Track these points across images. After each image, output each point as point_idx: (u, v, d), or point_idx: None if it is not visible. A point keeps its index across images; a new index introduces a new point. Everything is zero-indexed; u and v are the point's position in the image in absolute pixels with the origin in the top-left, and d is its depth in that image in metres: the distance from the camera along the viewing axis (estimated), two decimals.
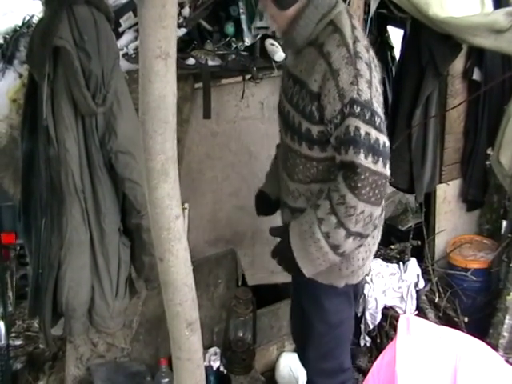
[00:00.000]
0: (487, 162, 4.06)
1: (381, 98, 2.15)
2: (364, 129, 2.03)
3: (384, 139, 2.08)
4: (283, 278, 3.60)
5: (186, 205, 3.11)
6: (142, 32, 1.75)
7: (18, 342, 3.64)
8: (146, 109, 1.78)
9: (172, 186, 1.88)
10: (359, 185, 2.03)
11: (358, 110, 2.04)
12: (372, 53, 2.20)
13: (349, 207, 2.06)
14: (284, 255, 2.33)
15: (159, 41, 1.72)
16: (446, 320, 3.85)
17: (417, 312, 3.78)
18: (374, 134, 2.04)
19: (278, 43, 3.16)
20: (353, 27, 2.15)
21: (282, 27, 2.30)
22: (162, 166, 1.83)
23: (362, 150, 2.03)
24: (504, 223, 4.15)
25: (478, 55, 3.98)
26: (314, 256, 2.21)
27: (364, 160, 2.02)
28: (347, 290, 2.54)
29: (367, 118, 2.04)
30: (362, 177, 2.03)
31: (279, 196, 2.63)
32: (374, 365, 1.47)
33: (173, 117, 1.82)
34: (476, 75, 4.03)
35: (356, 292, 2.65)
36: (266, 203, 2.79)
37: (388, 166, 2.09)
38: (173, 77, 1.79)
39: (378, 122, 2.06)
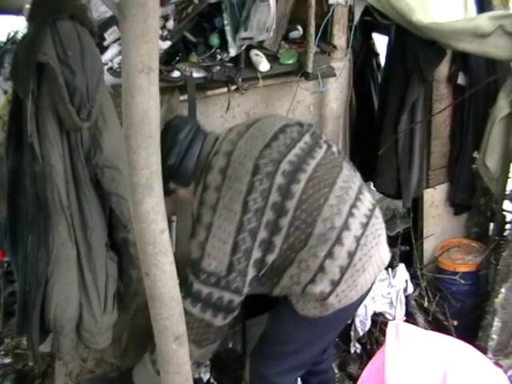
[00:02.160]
0: (474, 166, 4.08)
1: (225, 248, 2.36)
2: (190, 278, 2.42)
3: (210, 291, 2.38)
4: None
5: (174, 217, 3.11)
6: (124, 47, 1.75)
7: (7, 360, 3.63)
8: (130, 123, 1.78)
9: (157, 201, 1.88)
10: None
11: (189, 262, 2.44)
12: (234, 190, 2.37)
13: None
14: None
15: (141, 55, 1.72)
16: (435, 324, 3.87)
17: (406, 317, 3.80)
18: (196, 285, 2.39)
19: (263, 53, 3.18)
20: (204, 188, 2.45)
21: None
22: (147, 180, 1.83)
23: (184, 291, 2.38)
24: (492, 226, 4.17)
25: (462, 60, 4.01)
26: (142, 379, 2.59)
27: (183, 299, 2.21)
28: (312, 322, 2.54)
29: (194, 270, 2.40)
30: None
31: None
32: (364, 371, 1.48)
33: (157, 131, 1.82)
34: (461, 80, 4.06)
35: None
36: None
37: (210, 314, 2.39)
38: (156, 91, 1.79)
39: (203, 277, 2.37)
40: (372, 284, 2.58)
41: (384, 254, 2.59)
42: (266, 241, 2.35)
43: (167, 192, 2.40)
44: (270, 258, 2.39)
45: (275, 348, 2.66)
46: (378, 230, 2.55)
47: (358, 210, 2.46)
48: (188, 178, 2.54)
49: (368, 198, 2.56)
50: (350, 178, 2.52)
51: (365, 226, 2.48)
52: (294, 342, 2.61)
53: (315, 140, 2.55)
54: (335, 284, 2.40)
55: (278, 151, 2.40)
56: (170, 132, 2.53)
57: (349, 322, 3.64)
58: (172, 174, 2.51)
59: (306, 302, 2.46)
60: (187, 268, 2.41)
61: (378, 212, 2.60)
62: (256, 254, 2.35)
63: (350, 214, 2.43)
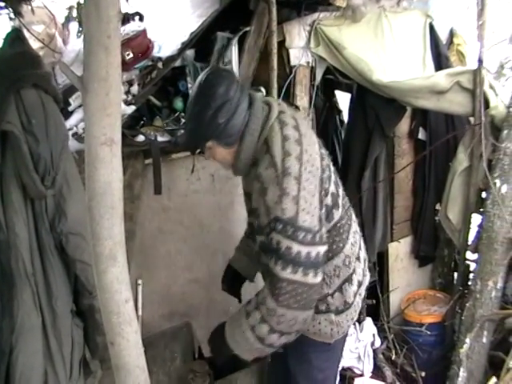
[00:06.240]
0: (436, 218, 4.16)
1: (314, 202, 2.22)
2: (285, 243, 2.15)
3: (309, 250, 2.18)
4: None
5: (140, 281, 3.11)
6: (86, 120, 1.78)
7: None
8: (93, 195, 1.80)
9: (121, 270, 1.88)
10: (276, 292, 2.16)
11: (280, 226, 2.16)
12: (311, 149, 2.26)
13: (269, 309, 2.19)
14: (218, 344, 2.47)
15: (104, 128, 1.75)
16: (403, 376, 3.89)
17: (374, 371, 3.81)
18: (295, 247, 2.15)
19: None
20: (284, 139, 2.23)
21: (230, 161, 2.42)
22: (110, 251, 1.83)
23: (280, 262, 2.15)
24: (456, 276, 4.23)
25: (422, 116, 4.14)
26: (242, 345, 2.33)
27: (281, 271, 2.14)
28: (336, 345, 2.60)
29: (289, 233, 2.15)
30: (279, 285, 2.15)
31: (248, 273, 2.82)
32: None
33: (119, 202, 1.83)
34: (421, 135, 4.17)
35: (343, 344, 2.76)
36: (233, 278, 2.87)
37: (312, 274, 2.17)
38: (118, 163, 1.81)
39: (301, 236, 2.16)
40: None
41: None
42: (328, 208, 2.36)
43: (196, 149, 2.40)
44: (326, 227, 2.37)
45: None
46: None
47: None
48: (234, 138, 2.33)
49: None
50: None
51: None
52: (329, 375, 2.70)
53: None
54: (360, 284, 2.55)
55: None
56: (221, 87, 2.28)
57: None
58: (217, 134, 2.31)
59: (340, 321, 2.50)
60: (275, 234, 2.17)
61: None
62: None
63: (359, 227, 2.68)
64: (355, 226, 2.58)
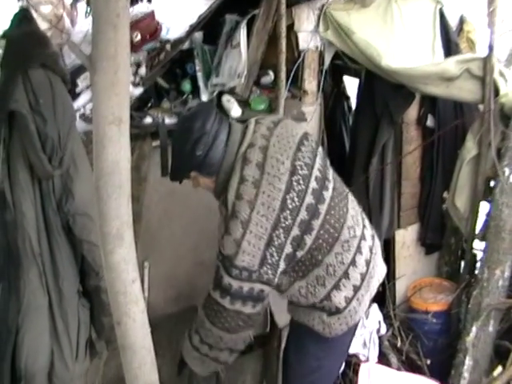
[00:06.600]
0: (443, 206, 4.14)
1: (260, 244, 2.29)
2: (221, 273, 2.35)
3: (241, 285, 2.33)
4: None
5: (147, 263, 3.11)
6: (95, 99, 1.77)
7: None
8: (100, 175, 1.79)
9: (128, 251, 1.88)
10: (206, 305, 2.43)
11: (220, 257, 2.35)
12: (271, 188, 2.30)
13: (200, 320, 2.47)
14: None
15: (112, 107, 1.74)
16: (408, 364, 3.87)
17: (380, 358, 3.79)
18: (227, 279, 2.32)
19: (235, 99, 3.22)
20: (241, 181, 2.31)
21: (213, 189, 2.54)
22: (117, 230, 1.83)
23: (214, 284, 2.38)
24: (462, 264, 4.22)
25: (430, 102, 4.10)
26: (187, 354, 2.61)
27: (212, 291, 2.39)
28: (337, 339, 2.60)
29: (226, 266, 2.32)
30: (207, 300, 2.43)
31: None
32: None
33: (127, 182, 1.83)
34: (430, 122, 4.14)
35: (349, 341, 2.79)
36: None
37: (239, 304, 2.36)
38: (126, 142, 1.81)
39: (235, 272, 2.31)
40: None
41: (382, 265, 2.81)
42: (297, 238, 2.36)
43: (182, 179, 2.55)
44: (299, 254, 2.42)
45: (310, 378, 2.69)
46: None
47: (367, 222, 2.72)
48: (214, 168, 2.43)
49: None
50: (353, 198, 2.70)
51: (373, 237, 2.72)
52: (325, 365, 2.69)
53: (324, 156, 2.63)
54: (357, 289, 2.54)
55: (308, 157, 2.43)
56: (198, 121, 2.39)
57: None
58: (197, 165, 2.43)
59: (331, 323, 2.53)
60: (217, 259, 2.37)
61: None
62: (287, 249, 2.36)
63: (364, 226, 2.64)
64: (348, 234, 2.51)
